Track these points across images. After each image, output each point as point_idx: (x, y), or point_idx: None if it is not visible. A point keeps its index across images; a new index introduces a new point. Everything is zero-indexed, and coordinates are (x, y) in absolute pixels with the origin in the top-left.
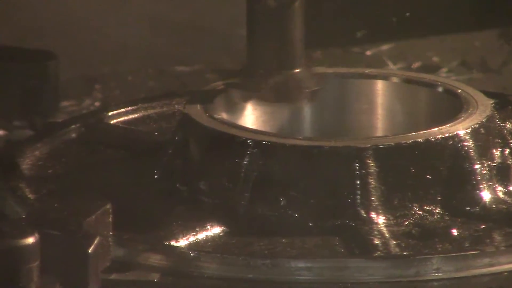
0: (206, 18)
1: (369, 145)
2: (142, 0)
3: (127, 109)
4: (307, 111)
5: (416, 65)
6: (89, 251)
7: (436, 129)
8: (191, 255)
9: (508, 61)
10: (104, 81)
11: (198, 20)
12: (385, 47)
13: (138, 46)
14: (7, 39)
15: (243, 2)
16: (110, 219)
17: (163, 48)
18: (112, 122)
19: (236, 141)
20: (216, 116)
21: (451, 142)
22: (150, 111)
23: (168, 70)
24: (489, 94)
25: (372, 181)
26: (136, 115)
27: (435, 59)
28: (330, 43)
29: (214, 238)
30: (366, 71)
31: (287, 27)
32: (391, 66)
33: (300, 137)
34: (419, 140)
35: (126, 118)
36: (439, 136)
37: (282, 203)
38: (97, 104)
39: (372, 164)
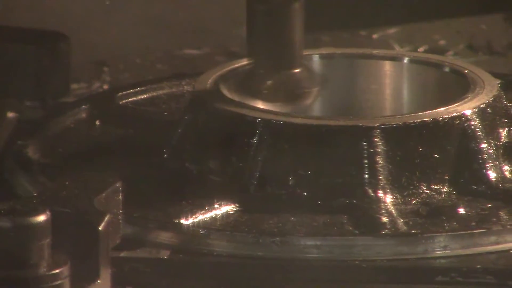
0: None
1: (377, 125)
2: None
3: (136, 90)
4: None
5: (422, 48)
6: (100, 228)
7: (443, 108)
8: (201, 232)
9: None
10: (113, 64)
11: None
12: (391, 30)
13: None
14: (20, 21)
15: (243, 2)
16: (120, 197)
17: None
18: (121, 102)
19: (245, 121)
20: (225, 96)
21: (458, 122)
22: (160, 92)
23: (177, 53)
24: (495, 75)
25: (380, 160)
26: (145, 96)
27: (442, 42)
28: (338, 27)
29: (223, 216)
30: (374, 51)
31: (287, 28)
32: (398, 49)
33: (309, 117)
34: (426, 119)
35: (135, 98)
36: (446, 116)
37: (291, 182)
38: (106, 86)
39: (380, 144)
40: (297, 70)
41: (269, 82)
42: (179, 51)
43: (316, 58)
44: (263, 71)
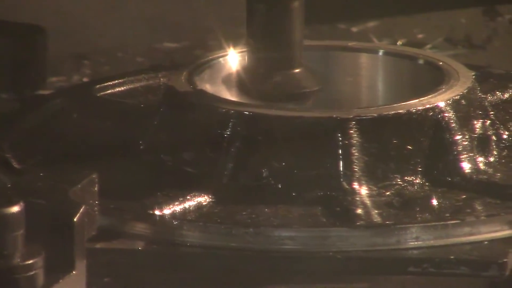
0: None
1: (351, 116)
2: None
3: (114, 82)
4: None
5: (401, 41)
6: (75, 220)
7: (417, 100)
8: (175, 223)
9: (493, 37)
10: (93, 57)
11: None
12: (371, 24)
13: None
14: None
15: (243, 2)
16: (96, 189)
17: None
18: (99, 95)
19: (218, 112)
20: (200, 88)
21: (432, 114)
22: (137, 84)
23: (157, 46)
24: (472, 67)
25: (354, 152)
26: (123, 88)
27: (421, 36)
28: (317, 20)
29: (197, 207)
30: (349, 44)
31: (287, 28)
32: (377, 42)
33: (283, 108)
34: (400, 111)
35: (113, 91)
36: (420, 108)
37: (265, 174)
38: (85, 79)
39: (355, 135)
40: (297, 70)
41: (269, 82)
42: (159, 44)
43: None
44: (263, 71)
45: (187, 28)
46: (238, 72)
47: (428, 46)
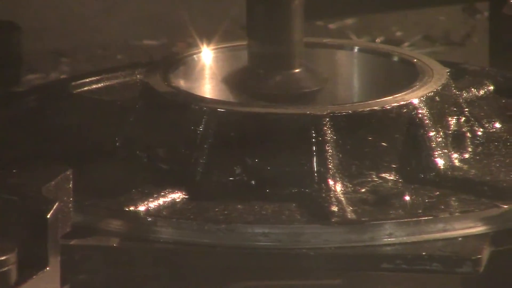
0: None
1: (325, 113)
2: None
3: (90, 79)
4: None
5: (379, 39)
6: (48, 216)
7: (391, 97)
8: (149, 220)
9: (471, 34)
10: (72, 54)
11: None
12: (349, 21)
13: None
14: None
15: (243, 2)
16: (70, 185)
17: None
18: (75, 92)
19: (192, 109)
20: (174, 85)
21: (405, 110)
22: (114, 81)
23: (136, 43)
24: (449, 64)
25: (329, 149)
26: (99, 85)
27: (399, 33)
28: None
29: (171, 204)
30: (324, 40)
31: (286, 27)
32: (355, 40)
33: (256, 105)
34: (375, 108)
35: (89, 88)
36: (394, 104)
37: (238, 171)
38: (63, 77)
39: (329, 132)
40: (297, 70)
41: (269, 82)
42: (139, 42)
43: None
44: (263, 71)
45: (166, 25)
46: (237, 72)
47: (407, 43)
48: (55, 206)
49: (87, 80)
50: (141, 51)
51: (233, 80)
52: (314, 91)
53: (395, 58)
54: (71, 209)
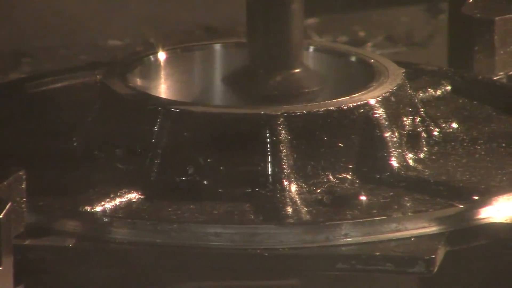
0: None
1: (279, 113)
2: None
3: (48, 79)
4: (218, 79)
5: (341, 39)
6: (0, 216)
7: (347, 97)
8: (104, 220)
9: (434, 34)
10: (35, 55)
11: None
12: (311, 21)
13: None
14: None
15: (243, 2)
16: (23, 186)
17: None
18: (32, 92)
19: (147, 109)
20: (130, 84)
21: (362, 110)
22: (72, 81)
23: (100, 44)
24: (406, 64)
25: (283, 149)
26: (57, 85)
27: (361, 33)
28: None
29: (127, 204)
30: None
31: (287, 27)
32: (317, 39)
33: (210, 105)
34: (331, 108)
35: (46, 88)
36: (350, 105)
37: (191, 170)
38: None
39: (284, 132)
40: (297, 70)
41: (269, 82)
42: (104, 42)
43: (218, 47)
44: (263, 71)
45: (130, 26)
46: (237, 72)
47: (370, 44)
48: (7, 206)
49: (45, 80)
50: (105, 52)
51: (233, 80)
52: (314, 91)
53: (352, 58)
54: (24, 209)
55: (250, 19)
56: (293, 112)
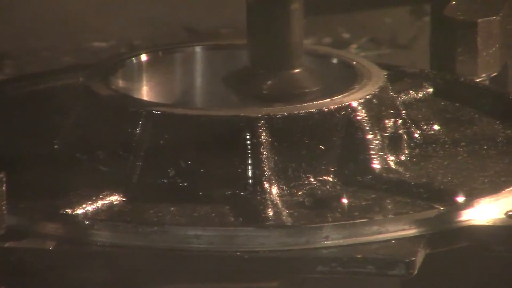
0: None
1: (260, 115)
2: None
3: (29, 81)
4: (200, 81)
5: (325, 41)
6: None
7: (329, 99)
8: (85, 223)
9: (418, 36)
10: (18, 57)
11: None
12: None
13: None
14: None
15: (243, 2)
16: (3, 188)
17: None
18: (13, 94)
19: (128, 111)
20: (112, 86)
21: (343, 113)
22: (54, 83)
23: (85, 46)
24: (388, 67)
25: (264, 151)
26: (39, 87)
27: (346, 35)
28: (238, 19)
29: (109, 207)
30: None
31: (286, 28)
32: None
33: (191, 107)
34: (312, 110)
35: (30, 89)
36: (332, 107)
37: (171, 173)
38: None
39: (264, 134)
40: (297, 70)
41: (269, 82)
42: (88, 44)
43: (199, 49)
44: (263, 71)
45: (115, 27)
46: (237, 72)
47: (354, 45)
48: None
49: (27, 82)
50: (90, 54)
51: (233, 80)
52: (314, 91)
53: (334, 60)
54: (5, 211)
55: (250, 19)
56: (274, 114)
